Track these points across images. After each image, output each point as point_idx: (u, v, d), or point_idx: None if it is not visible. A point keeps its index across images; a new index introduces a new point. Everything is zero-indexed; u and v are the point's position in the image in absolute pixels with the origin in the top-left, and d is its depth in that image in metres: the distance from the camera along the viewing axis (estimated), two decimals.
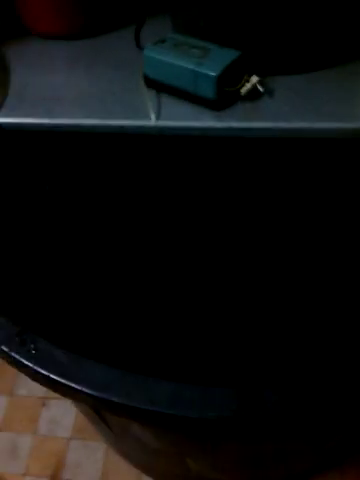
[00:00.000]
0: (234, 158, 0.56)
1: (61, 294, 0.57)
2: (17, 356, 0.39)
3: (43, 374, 0.38)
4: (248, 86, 0.53)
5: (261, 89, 0.53)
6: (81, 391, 0.37)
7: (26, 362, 0.39)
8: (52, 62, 0.61)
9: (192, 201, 0.61)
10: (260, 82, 0.53)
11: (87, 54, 0.62)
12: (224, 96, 0.53)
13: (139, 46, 0.62)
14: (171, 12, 0.59)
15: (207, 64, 0.51)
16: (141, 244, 0.64)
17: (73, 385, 0.37)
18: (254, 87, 0.53)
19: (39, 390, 0.84)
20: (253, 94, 0.54)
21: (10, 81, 0.58)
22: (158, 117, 0.53)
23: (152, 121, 0.52)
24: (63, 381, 0.38)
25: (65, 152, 0.57)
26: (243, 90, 0.53)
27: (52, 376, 0.38)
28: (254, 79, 0.53)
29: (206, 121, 0.52)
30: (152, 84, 0.55)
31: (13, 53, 0.62)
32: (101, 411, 0.52)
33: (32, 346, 0.40)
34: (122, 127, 0.53)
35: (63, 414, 0.84)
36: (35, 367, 0.39)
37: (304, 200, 0.58)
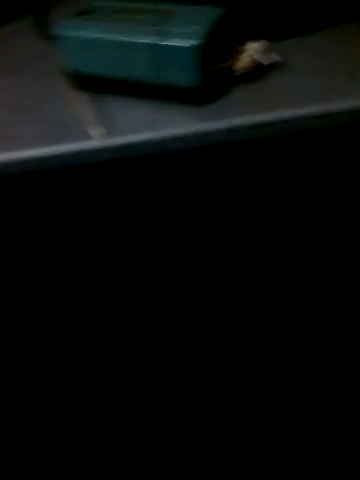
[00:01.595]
0: (241, 176, 0.34)
1: None
2: None
3: None
4: (245, 59, 0.32)
5: (267, 61, 0.32)
6: None
7: None
8: None
9: (185, 262, 0.38)
10: (264, 51, 0.32)
11: None
12: (210, 80, 0.31)
13: (47, 34, 0.39)
14: None
15: (175, 32, 0.30)
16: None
17: None
18: (253, 60, 0.32)
19: None
20: (254, 72, 0.33)
21: None
22: (107, 132, 0.30)
23: (97, 140, 0.30)
24: None
25: None
26: (238, 66, 0.32)
27: None
28: (252, 47, 0.32)
29: (189, 124, 0.31)
30: (86, 82, 0.33)
31: None
32: None
33: None
34: (44, 160, 0.30)
35: None
36: None
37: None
